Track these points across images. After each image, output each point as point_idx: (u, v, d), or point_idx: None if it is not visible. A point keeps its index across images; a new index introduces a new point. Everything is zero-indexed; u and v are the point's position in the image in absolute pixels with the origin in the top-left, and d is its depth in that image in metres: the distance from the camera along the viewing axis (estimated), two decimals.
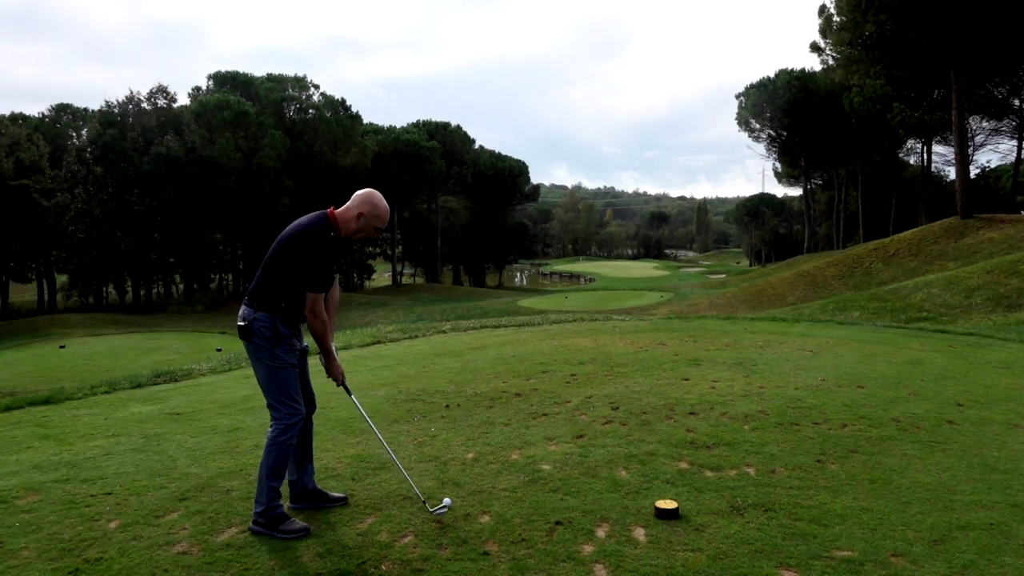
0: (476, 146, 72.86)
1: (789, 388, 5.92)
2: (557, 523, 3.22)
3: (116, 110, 48.37)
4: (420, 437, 4.65)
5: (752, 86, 56.89)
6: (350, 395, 3.56)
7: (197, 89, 56.29)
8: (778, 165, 66.48)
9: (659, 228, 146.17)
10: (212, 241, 50.87)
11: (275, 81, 56.39)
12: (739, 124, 59.40)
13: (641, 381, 6.25)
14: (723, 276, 66.08)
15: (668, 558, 2.88)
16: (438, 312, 38.34)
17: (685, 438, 4.48)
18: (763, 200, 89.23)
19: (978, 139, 48.02)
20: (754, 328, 10.28)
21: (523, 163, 76.65)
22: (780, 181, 69.04)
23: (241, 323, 3.27)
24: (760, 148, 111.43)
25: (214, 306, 46.65)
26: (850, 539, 3.06)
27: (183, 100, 55.46)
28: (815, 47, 39.87)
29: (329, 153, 53.18)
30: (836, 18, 35.53)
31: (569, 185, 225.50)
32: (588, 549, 2.98)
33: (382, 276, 74.22)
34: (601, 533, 3.13)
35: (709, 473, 3.86)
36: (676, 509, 3.27)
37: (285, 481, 3.42)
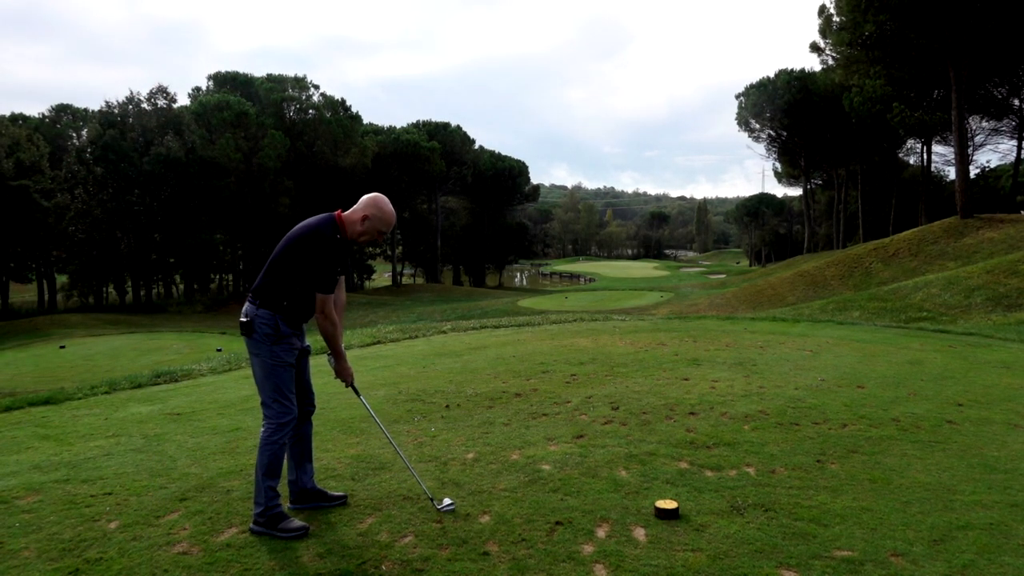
0: (476, 146, 72.86)
1: (789, 388, 5.92)
2: (557, 523, 3.22)
3: (116, 110, 48.36)
4: (420, 437, 4.65)
5: (752, 86, 56.90)
6: (359, 396, 3.57)
7: (197, 89, 56.33)
8: (778, 165, 66.53)
9: (659, 228, 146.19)
10: (212, 241, 50.84)
11: (275, 81, 56.39)
12: (739, 124, 59.45)
13: (641, 381, 6.25)
14: (723, 276, 66.09)
15: (668, 558, 2.88)
16: (438, 312, 38.34)
17: (685, 438, 4.48)
18: (763, 200, 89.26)
19: (978, 139, 48.09)
20: (754, 328, 10.28)
21: (523, 163, 76.68)
22: (780, 181, 69.10)
23: (243, 319, 3.29)
24: (760, 148, 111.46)
25: (214, 306, 46.64)
26: (850, 539, 3.06)
27: (183, 100, 55.55)
28: (815, 47, 39.90)
29: (329, 153, 53.18)
30: (836, 18, 35.56)
31: (569, 185, 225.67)
32: (588, 549, 2.98)
33: (382, 276, 74.24)
34: (601, 533, 3.13)
35: (709, 473, 3.86)
36: (676, 509, 3.27)
37: (285, 481, 3.42)
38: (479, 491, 3.62)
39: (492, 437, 4.59)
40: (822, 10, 36.93)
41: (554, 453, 4.22)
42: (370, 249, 66.36)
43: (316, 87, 57.42)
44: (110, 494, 3.68)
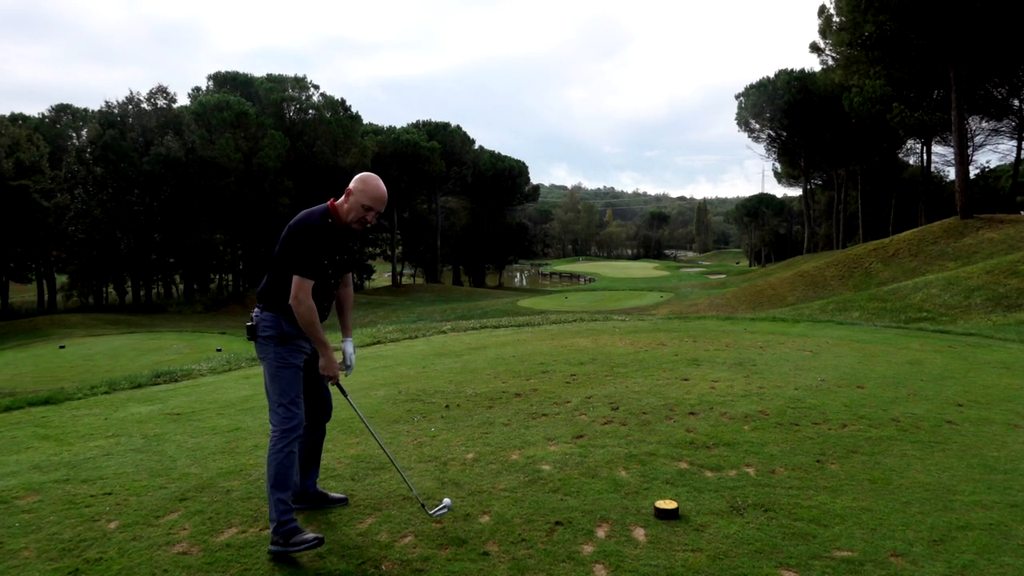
0: (476, 146, 72.88)
1: (789, 388, 5.92)
2: (557, 523, 3.22)
3: (116, 110, 48.36)
4: (420, 437, 4.65)
5: (752, 86, 56.93)
6: (345, 396, 3.40)
7: (197, 89, 56.35)
8: (778, 165, 66.56)
9: (659, 228, 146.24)
10: (212, 241, 50.84)
11: (275, 81, 56.40)
12: (739, 124, 59.47)
13: (641, 381, 6.25)
14: (723, 276, 66.09)
15: (668, 558, 2.88)
16: (438, 312, 38.34)
17: (685, 438, 4.48)
18: (763, 200, 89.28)
19: (978, 139, 48.11)
20: (754, 328, 10.28)
21: (523, 163, 76.69)
22: (780, 181, 69.11)
23: (248, 323, 3.24)
24: (760, 148, 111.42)
25: (214, 306, 46.63)
26: (850, 539, 3.06)
27: (183, 100, 55.63)
28: (815, 47, 39.90)
29: (329, 153, 53.19)
30: (836, 18, 35.56)
31: (569, 185, 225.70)
32: (588, 549, 2.98)
33: (382, 276, 74.24)
34: (601, 533, 3.13)
35: (709, 473, 3.86)
36: (676, 509, 3.27)
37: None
38: (479, 491, 3.62)
39: (492, 437, 4.59)
40: (822, 10, 36.95)
41: (554, 453, 4.22)
42: (370, 249, 66.41)
43: (316, 87, 57.46)
44: (110, 494, 3.68)
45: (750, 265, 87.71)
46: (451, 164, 65.84)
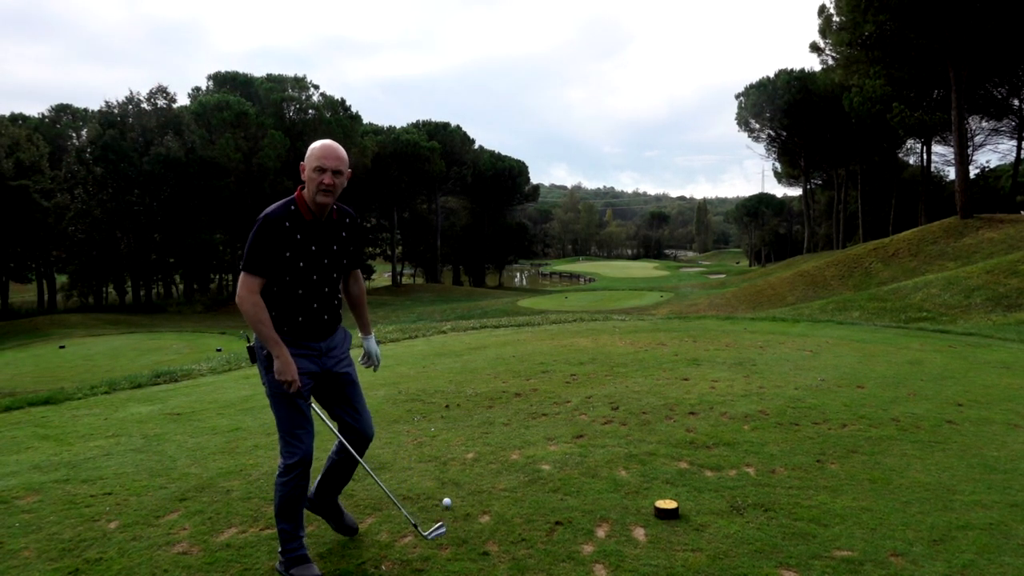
0: (476, 146, 72.88)
1: (789, 388, 5.92)
2: (557, 523, 3.22)
3: (116, 110, 48.38)
4: (420, 437, 4.65)
5: (752, 86, 56.91)
6: (308, 402, 2.93)
7: (197, 89, 56.29)
8: (778, 165, 66.53)
9: (659, 228, 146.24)
10: (212, 241, 50.87)
11: (275, 81, 56.37)
12: (739, 124, 59.46)
13: (641, 381, 6.25)
14: (723, 276, 66.09)
15: (668, 558, 2.88)
16: (438, 312, 38.34)
17: (685, 438, 4.48)
18: (763, 200, 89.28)
19: (978, 139, 48.10)
20: (754, 328, 10.28)
21: (523, 163, 76.69)
22: (780, 181, 69.09)
23: (248, 344, 2.96)
24: (760, 148, 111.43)
25: (214, 306, 46.65)
26: (850, 539, 3.06)
27: (183, 100, 55.54)
28: (815, 47, 39.90)
29: None
30: (836, 18, 35.57)
31: (569, 185, 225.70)
32: (588, 549, 2.98)
33: (382, 276, 74.25)
34: (601, 533, 3.13)
35: (709, 473, 3.86)
36: (676, 509, 3.27)
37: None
38: (479, 491, 3.62)
39: (492, 437, 4.59)
40: (822, 10, 36.95)
41: (554, 453, 4.22)
42: (370, 249, 66.37)
43: (316, 87, 57.43)
44: (110, 494, 3.68)
45: (750, 265, 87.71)
46: (451, 164, 65.84)
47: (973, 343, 9.08)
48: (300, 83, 56.83)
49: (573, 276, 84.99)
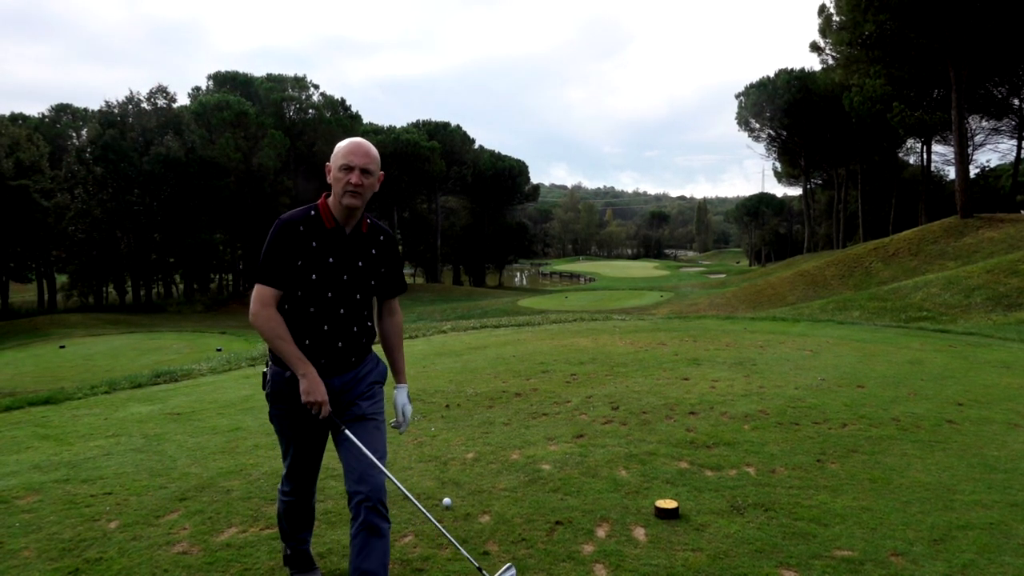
0: (476, 146, 72.88)
1: (789, 388, 5.92)
2: (557, 523, 3.22)
3: (116, 110, 48.36)
4: (420, 437, 4.65)
5: (752, 86, 56.91)
6: (339, 428, 2.49)
7: (197, 89, 56.35)
8: (778, 165, 66.52)
9: (659, 228, 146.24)
10: (212, 241, 50.85)
11: (275, 81, 56.40)
12: (739, 124, 59.46)
13: (641, 381, 6.25)
14: (723, 276, 66.07)
15: (668, 558, 2.88)
16: (438, 312, 38.34)
17: (685, 438, 4.48)
18: (763, 200, 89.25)
19: (978, 139, 48.11)
20: (754, 328, 10.28)
21: (523, 163, 76.68)
22: (780, 181, 69.10)
23: (264, 371, 2.67)
24: (760, 148, 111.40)
25: (214, 306, 46.64)
26: (850, 538, 3.06)
27: (183, 100, 55.57)
28: (815, 47, 39.91)
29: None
30: (836, 18, 35.57)
31: (569, 185, 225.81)
32: (588, 549, 2.98)
33: None
34: (601, 533, 3.13)
35: (709, 473, 3.86)
36: (676, 509, 3.27)
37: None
38: (479, 491, 3.62)
39: (492, 437, 4.59)
40: (822, 10, 36.95)
41: (554, 453, 4.22)
42: None
43: (316, 87, 57.51)
44: (110, 494, 3.68)
45: (750, 265, 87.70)
46: (451, 164, 65.83)
47: (973, 343, 9.08)
48: (300, 83, 56.86)
49: (573, 276, 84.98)
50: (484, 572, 2.59)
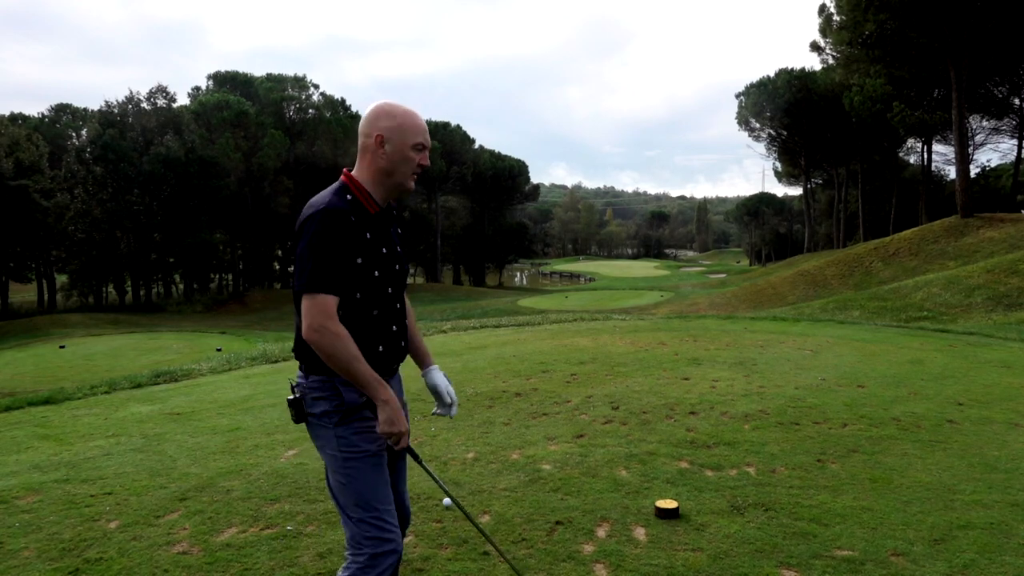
0: (476, 145, 72.90)
1: (789, 387, 5.91)
2: (557, 523, 3.22)
3: (116, 110, 48.36)
4: (420, 437, 4.65)
5: (752, 85, 56.90)
6: (419, 463, 2.22)
7: (197, 89, 56.36)
8: (778, 164, 66.50)
9: (659, 228, 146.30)
10: (212, 241, 50.87)
11: (275, 81, 56.41)
12: (739, 124, 59.45)
13: (641, 381, 6.25)
14: (723, 276, 66.06)
15: (668, 557, 2.88)
16: (438, 312, 38.33)
17: (685, 437, 4.47)
18: (763, 200, 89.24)
19: (978, 138, 48.09)
20: (754, 327, 10.28)
21: (523, 163, 76.70)
22: (780, 181, 69.08)
23: (289, 396, 2.12)
24: (760, 148, 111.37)
25: (214, 306, 46.62)
26: (851, 538, 3.06)
27: (183, 100, 55.59)
28: (815, 46, 39.90)
29: (329, 153, 53.18)
30: (836, 17, 35.54)
31: (569, 185, 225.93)
32: (588, 549, 2.98)
33: None
34: (601, 533, 3.12)
35: (709, 473, 3.86)
36: (676, 509, 3.27)
37: None
38: (479, 491, 3.62)
39: (492, 437, 4.59)
40: (822, 9, 36.93)
41: (554, 453, 4.22)
42: None
43: (316, 87, 57.51)
44: (110, 494, 3.68)
45: (750, 264, 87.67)
46: (451, 163, 65.85)
47: (974, 342, 9.07)
48: (300, 83, 56.87)
49: (573, 276, 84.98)
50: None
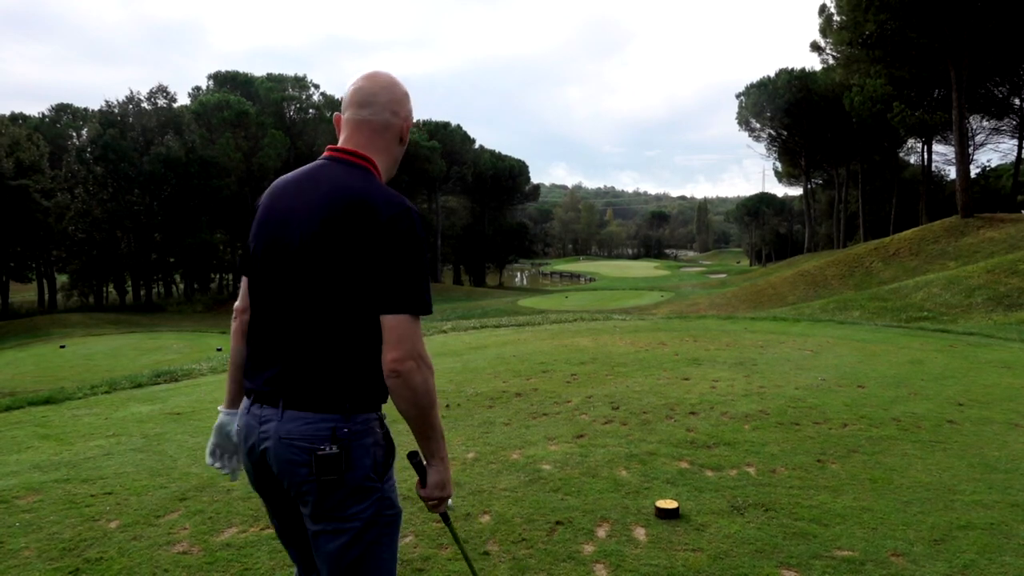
0: (476, 145, 72.89)
1: (789, 388, 5.91)
2: (558, 523, 3.22)
3: (116, 110, 48.38)
4: None
5: (752, 86, 56.90)
6: (449, 526, 1.83)
7: (197, 89, 56.40)
8: (778, 165, 66.48)
9: (659, 228, 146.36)
10: (212, 241, 50.88)
11: (275, 81, 56.42)
12: (739, 124, 59.44)
13: (641, 381, 6.24)
14: (723, 276, 66.07)
15: (669, 558, 2.88)
16: (438, 312, 38.33)
17: (685, 438, 4.47)
18: (763, 200, 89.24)
19: (978, 138, 48.09)
20: (754, 328, 10.28)
21: (523, 163, 76.72)
22: (780, 181, 69.05)
23: (322, 451, 1.52)
24: (760, 148, 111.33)
25: (214, 306, 46.64)
26: (851, 539, 3.06)
27: (183, 100, 55.66)
28: (815, 46, 39.89)
29: None
30: (836, 17, 35.54)
31: (569, 185, 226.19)
32: (589, 549, 2.98)
33: None
34: (602, 533, 3.12)
35: (709, 473, 3.86)
36: (676, 509, 3.27)
37: None
38: (479, 491, 3.62)
39: (492, 437, 4.59)
40: (822, 9, 36.92)
41: (554, 453, 4.22)
42: None
43: (316, 86, 57.54)
44: (110, 494, 3.68)
45: (751, 264, 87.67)
46: (451, 163, 65.84)
47: (974, 342, 9.07)
48: (300, 82, 56.89)
49: (574, 276, 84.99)
50: None
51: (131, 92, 50.86)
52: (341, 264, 1.53)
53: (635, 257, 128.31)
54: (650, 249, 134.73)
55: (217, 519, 3.32)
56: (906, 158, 58.16)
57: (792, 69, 54.44)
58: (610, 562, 2.85)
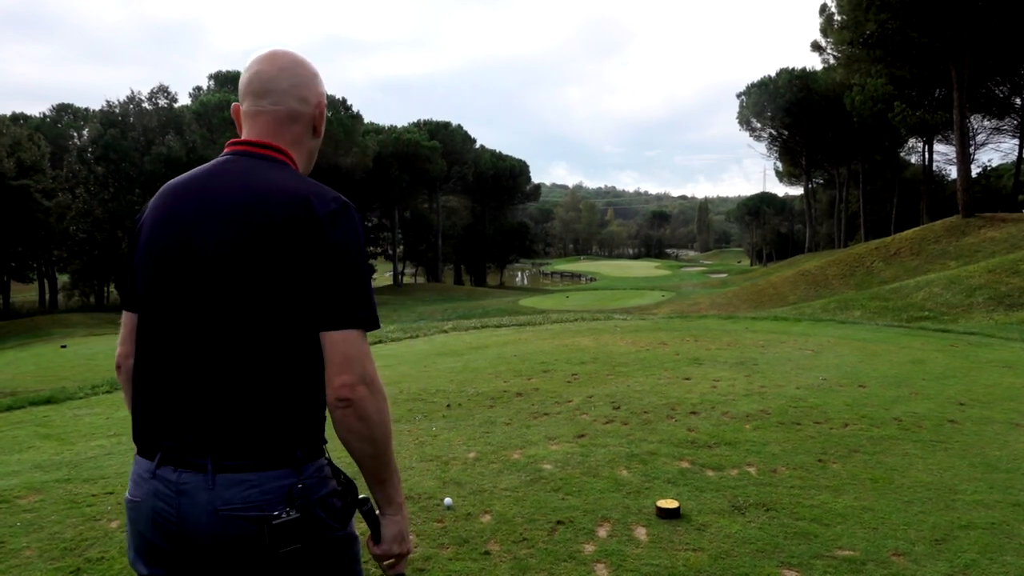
0: (477, 145, 72.84)
1: (790, 387, 5.91)
2: (558, 522, 3.22)
3: (117, 110, 48.40)
4: (421, 437, 4.65)
5: (753, 85, 56.86)
6: None
7: (198, 89, 56.44)
8: (779, 164, 66.43)
9: (660, 227, 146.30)
10: None
11: None
12: (740, 123, 59.39)
13: (642, 380, 6.24)
14: (724, 275, 66.05)
15: (669, 557, 2.88)
16: (439, 312, 38.34)
17: (686, 437, 4.47)
18: (764, 199, 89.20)
19: (979, 138, 48.06)
20: (755, 327, 10.27)
21: (524, 162, 76.68)
22: (781, 180, 69.02)
23: (277, 517, 1.24)
24: (761, 147, 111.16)
25: None
26: (852, 538, 3.06)
27: (184, 100, 55.57)
28: (816, 46, 39.84)
29: (330, 153, 53.14)
30: (837, 17, 35.50)
31: (570, 184, 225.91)
32: (589, 548, 2.98)
33: (383, 276, 74.26)
34: (602, 532, 3.12)
35: (710, 472, 3.86)
36: (677, 508, 3.27)
37: None
38: (480, 490, 3.62)
39: (493, 436, 4.59)
40: (823, 9, 36.88)
41: (555, 452, 4.22)
42: (371, 248, 66.37)
43: None
44: (111, 493, 3.68)
45: (751, 264, 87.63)
46: (452, 163, 65.79)
47: (975, 342, 9.06)
48: None
49: (574, 275, 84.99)
50: None
51: (132, 92, 50.79)
52: (270, 275, 1.25)
53: (636, 257, 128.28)
54: (651, 249, 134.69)
55: None
56: (907, 158, 58.15)
57: (793, 69, 54.42)
58: (611, 562, 2.85)
